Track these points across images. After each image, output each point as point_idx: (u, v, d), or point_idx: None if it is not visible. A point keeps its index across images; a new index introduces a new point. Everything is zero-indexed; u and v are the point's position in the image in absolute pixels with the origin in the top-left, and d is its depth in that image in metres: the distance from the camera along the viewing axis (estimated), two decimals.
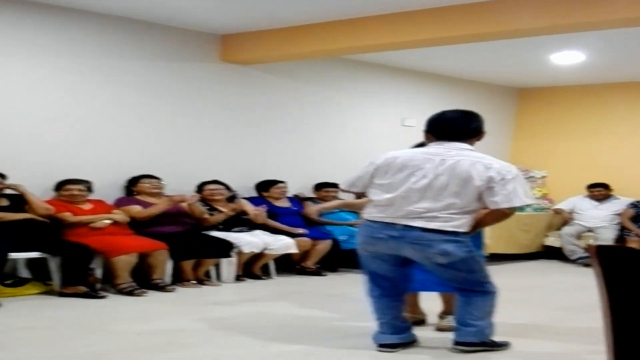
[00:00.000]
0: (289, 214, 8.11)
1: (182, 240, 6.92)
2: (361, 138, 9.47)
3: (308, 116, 8.87)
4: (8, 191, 6.38)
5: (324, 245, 8.02)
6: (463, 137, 4.41)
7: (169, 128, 7.72)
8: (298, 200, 8.47)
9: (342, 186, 4.59)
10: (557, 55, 8.61)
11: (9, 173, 6.38)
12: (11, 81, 6.69)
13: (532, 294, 7.37)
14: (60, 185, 6.74)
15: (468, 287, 4.44)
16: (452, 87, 10.38)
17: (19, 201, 6.37)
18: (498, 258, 9.48)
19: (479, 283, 4.44)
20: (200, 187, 7.66)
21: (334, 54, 8.27)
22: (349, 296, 6.71)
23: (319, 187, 8.68)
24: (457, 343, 4.53)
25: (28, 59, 6.76)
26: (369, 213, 4.42)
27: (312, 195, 8.69)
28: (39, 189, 6.63)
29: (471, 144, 4.45)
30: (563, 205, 10.20)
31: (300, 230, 7.91)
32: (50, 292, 6.31)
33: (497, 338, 4.61)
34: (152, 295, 6.38)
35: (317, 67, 8.87)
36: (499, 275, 8.51)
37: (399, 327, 4.57)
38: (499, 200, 4.21)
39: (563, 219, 10.10)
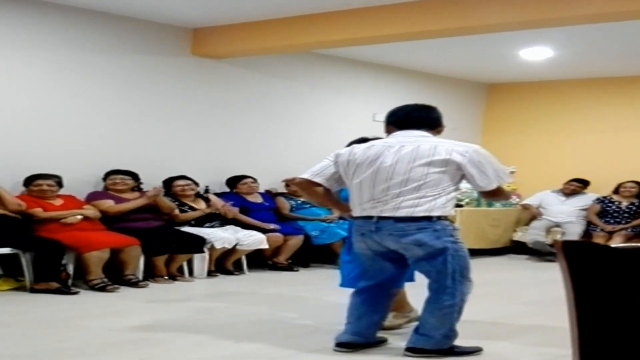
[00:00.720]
0: (261, 210, 8.14)
1: (154, 235, 6.92)
2: (332, 133, 9.50)
3: (279, 111, 8.89)
4: None
5: (296, 241, 8.06)
6: (423, 126, 4.37)
7: (139, 122, 7.70)
8: (270, 195, 8.50)
9: (305, 176, 4.40)
10: (526, 51, 8.71)
11: None
12: None
13: (501, 289, 7.45)
14: (30, 180, 6.70)
15: (441, 284, 4.20)
16: (422, 82, 10.46)
17: None
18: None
19: (453, 281, 4.19)
20: (169, 182, 7.63)
21: (305, 48, 8.29)
22: (320, 292, 6.76)
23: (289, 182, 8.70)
24: (407, 349, 4.34)
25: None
26: (353, 211, 4.36)
27: (283, 190, 8.72)
28: (7, 183, 6.59)
29: (436, 134, 4.44)
30: (530, 201, 10.33)
31: (272, 226, 7.94)
32: (22, 288, 6.28)
33: (467, 340, 4.59)
34: (125, 291, 6.38)
35: (288, 61, 8.90)
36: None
37: (363, 330, 4.43)
38: (484, 182, 4.12)
39: (531, 214, 10.23)
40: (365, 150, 4.28)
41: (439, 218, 4.13)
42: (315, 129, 9.31)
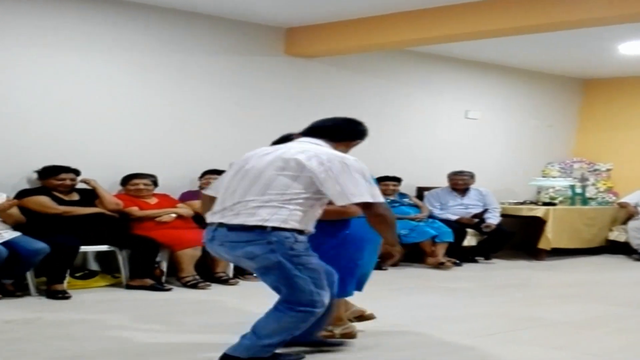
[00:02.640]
0: None
1: None
2: (424, 131, 9.46)
3: (371, 109, 8.88)
4: (80, 186, 6.58)
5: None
6: (323, 136, 3.99)
7: (233, 122, 7.82)
8: None
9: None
10: (625, 45, 8.45)
11: (77, 167, 6.57)
12: (80, 77, 6.87)
13: (595, 289, 7.29)
14: (127, 180, 6.91)
15: (287, 300, 3.79)
16: (516, 79, 10.28)
17: (88, 195, 6.56)
18: (561, 253, 9.39)
19: (297, 301, 3.76)
20: None
21: (398, 46, 8.27)
22: (408, 290, 6.75)
23: (379, 180, 8.66)
24: (224, 356, 3.87)
25: (96, 54, 6.93)
26: None
27: None
28: (105, 183, 6.81)
29: (335, 147, 3.96)
30: (628, 199, 10.01)
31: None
32: (118, 285, 6.50)
33: (557, 339, 4.50)
34: (215, 288, 6.51)
35: (380, 59, 8.88)
36: (561, 270, 8.57)
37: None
38: (333, 196, 3.69)
39: (628, 213, 9.92)
40: (248, 153, 3.96)
41: (275, 229, 3.66)
42: (406, 127, 9.27)
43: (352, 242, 4.41)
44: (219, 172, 7.30)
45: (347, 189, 3.66)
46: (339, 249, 4.35)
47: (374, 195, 3.72)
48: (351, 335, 4.61)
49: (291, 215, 3.68)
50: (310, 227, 3.83)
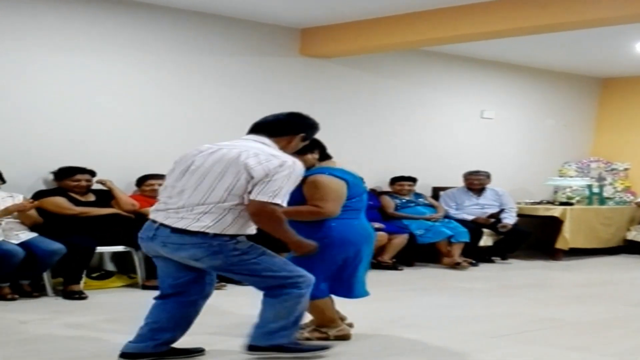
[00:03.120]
0: (366, 208, 8.13)
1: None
2: (439, 130, 9.44)
3: (386, 109, 8.88)
4: (96, 186, 6.61)
5: (401, 240, 8.04)
6: (262, 132, 4.01)
7: (249, 121, 7.74)
8: (375, 194, 8.50)
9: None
10: None
11: (93, 168, 6.61)
12: (96, 79, 6.91)
13: (611, 289, 7.24)
14: (142, 180, 6.93)
15: (266, 288, 3.92)
16: (532, 78, 10.24)
17: (105, 196, 6.59)
18: (578, 253, 9.34)
19: (276, 286, 3.87)
20: None
21: (413, 46, 8.26)
22: (424, 290, 6.73)
23: (394, 180, 8.68)
24: (249, 347, 4.02)
25: (112, 56, 6.98)
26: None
27: (387, 189, 8.70)
28: (121, 183, 6.84)
29: (279, 143, 3.96)
30: None
31: (377, 225, 7.93)
32: (134, 285, 6.53)
33: (574, 339, 4.50)
34: (231, 289, 6.50)
35: (395, 59, 8.87)
36: (578, 270, 8.52)
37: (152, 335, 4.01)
38: (252, 192, 3.69)
39: None
40: (184, 155, 3.95)
41: (216, 235, 3.73)
42: (422, 126, 9.25)
43: (330, 245, 4.32)
44: None
45: (267, 189, 3.68)
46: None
47: (274, 197, 3.69)
48: (345, 337, 4.59)
49: (233, 223, 3.75)
50: (250, 230, 3.87)
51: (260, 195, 3.67)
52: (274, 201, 3.68)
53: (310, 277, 3.96)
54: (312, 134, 4.21)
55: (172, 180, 3.90)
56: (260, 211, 3.71)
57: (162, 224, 3.79)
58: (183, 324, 4.06)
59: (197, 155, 3.88)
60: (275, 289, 3.89)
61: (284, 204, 3.73)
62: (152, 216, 3.90)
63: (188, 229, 3.71)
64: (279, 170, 3.70)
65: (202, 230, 3.70)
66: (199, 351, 4.22)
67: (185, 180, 3.82)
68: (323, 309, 4.49)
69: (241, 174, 3.70)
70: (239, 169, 3.71)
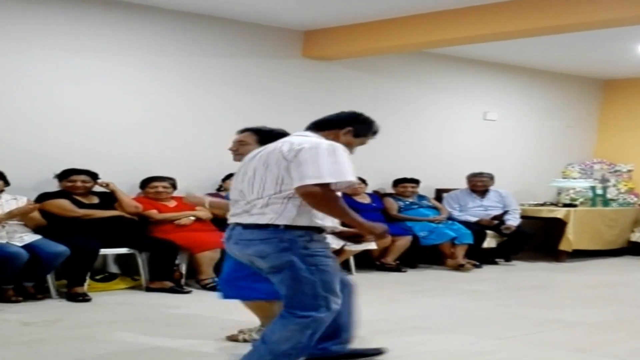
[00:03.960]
0: (369, 210, 8.11)
1: None
2: (442, 133, 9.43)
3: (388, 111, 8.87)
4: (98, 189, 6.62)
5: (404, 242, 8.04)
6: (311, 127, 3.98)
7: (252, 124, 7.77)
8: (378, 196, 8.50)
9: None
10: None
11: (97, 170, 6.61)
12: (100, 81, 6.91)
13: (615, 291, 7.24)
14: (146, 183, 6.93)
15: (291, 307, 3.63)
16: (535, 80, 10.23)
17: (108, 199, 6.60)
18: (581, 254, 9.33)
19: (305, 306, 3.59)
20: None
21: (415, 48, 8.25)
22: (427, 292, 6.72)
23: (397, 182, 8.67)
24: None
25: (116, 57, 6.98)
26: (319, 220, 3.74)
27: (390, 191, 8.70)
28: (125, 186, 6.85)
29: (326, 138, 3.83)
30: None
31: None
32: (137, 287, 6.52)
33: (576, 342, 4.48)
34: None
35: (398, 61, 8.87)
36: (582, 272, 8.51)
37: None
38: (294, 179, 3.54)
39: None
40: (249, 156, 3.89)
41: (287, 227, 3.58)
42: (425, 128, 9.25)
43: None
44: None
45: (303, 171, 3.51)
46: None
47: (333, 175, 3.51)
48: None
49: (300, 213, 3.57)
50: (328, 223, 3.73)
51: (301, 179, 3.51)
52: (316, 182, 3.48)
53: (337, 299, 3.71)
54: (363, 130, 4.11)
55: (235, 183, 3.88)
56: (306, 194, 3.51)
57: (236, 223, 3.75)
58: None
59: (252, 157, 3.86)
60: (295, 307, 3.61)
61: (333, 182, 3.50)
62: (229, 220, 3.84)
63: (258, 222, 3.61)
64: (311, 151, 3.54)
65: (271, 222, 3.58)
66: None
67: (240, 180, 3.81)
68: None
69: (280, 162, 3.60)
70: (277, 157, 3.62)
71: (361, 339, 4.39)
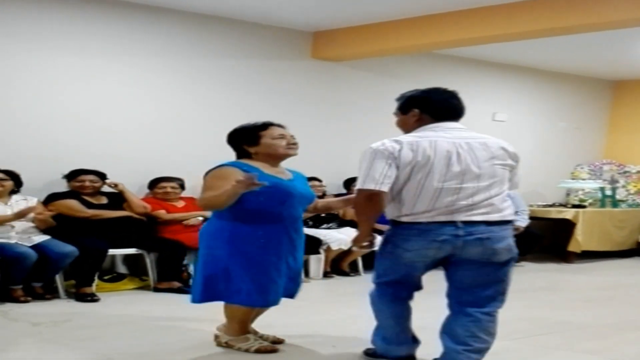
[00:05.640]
0: None
1: None
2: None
3: None
4: (107, 189, 6.63)
5: None
6: (459, 117, 4.05)
7: None
8: None
9: (372, 186, 3.72)
10: None
11: (106, 170, 6.63)
12: (109, 82, 6.94)
13: (625, 292, 7.21)
14: (154, 183, 6.95)
15: (503, 301, 3.92)
16: (544, 81, 10.21)
17: (117, 199, 6.61)
18: (590, 255, 9.30)
19: (502, 301, 3.92)
20: None
21: (424, 48, 8.25)
22: (433, 292, 6.69)
23: None
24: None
25: (124, 58, 7.00)
26: (409, 215, 3.77)
27: None
28: (134, 186, 6.86)
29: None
30: None
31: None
32: (146, 287, 6.54)
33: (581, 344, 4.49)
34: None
35: (407, 62, 8.87)
36: (591, 273, 8.48)
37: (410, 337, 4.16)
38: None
39: None
40: (428, 146, 3.76)
41: (511, 222, 3.89)
42: None
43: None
44: None
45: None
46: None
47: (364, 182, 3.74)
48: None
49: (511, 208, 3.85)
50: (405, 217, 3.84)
51: None
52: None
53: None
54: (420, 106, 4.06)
55: (450, 181, 3.79)
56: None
57: (469, 222, 3.75)
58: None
59: (457, 149, 3.86)
60: (500, 302, 4.00)
61: (369, 188, 3.71)
62: (436, 219, 3.76)
63: (504, 219, 3.85)
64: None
65: (508, 219, 3.90)
66: None
67: (469, 176, 3.83)
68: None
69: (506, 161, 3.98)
70: (504, 156, 3.97)
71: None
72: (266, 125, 4.45)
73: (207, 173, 4.42)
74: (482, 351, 3.86)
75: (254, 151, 4.42)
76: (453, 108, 4.01)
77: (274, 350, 4.43)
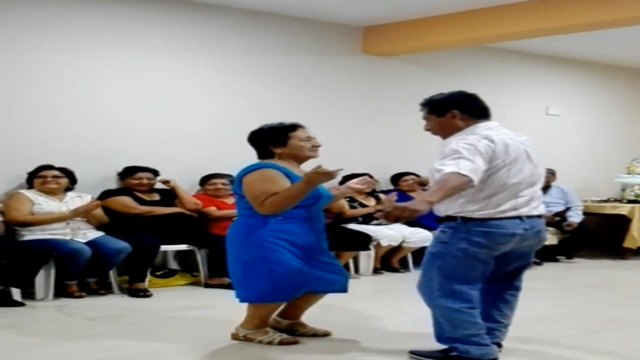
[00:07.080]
0: None
1: None
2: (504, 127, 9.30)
3: None
4: (159, 186, 6.71)
5: None
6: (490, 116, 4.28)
7: (312, 121, 7.77)
8: None
9: (471, 174, 3.74)
10: None
11: (159, 168, 6.71)
12: (161, 80, 7.02)
13: None
14: (205, 180, 7.01)
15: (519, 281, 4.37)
16: (598, 74, 10.03)
17: (168, 196, 6.69)
18: None
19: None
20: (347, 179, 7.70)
21: (476, 42, 8.18)
22: None
23: None
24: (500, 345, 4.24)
25: (177, 56, 7.08)
26: (484, 211, 3.89)
27: None
28: (185, 183, 6.93)
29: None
30: None
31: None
32: (196, 283, 6.61)
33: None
34: None
35: (458, 56, 8.79)
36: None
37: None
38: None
39: None
40: (511, 143, 4.02)
41: None
42: None
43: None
44: None
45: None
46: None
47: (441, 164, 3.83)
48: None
49: None
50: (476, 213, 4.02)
51: None
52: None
53: None
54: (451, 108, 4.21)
55: (527, 176, 4.06)
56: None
57: (530, 216, 4.05)
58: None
59: (519, 146, 4.15)
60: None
61: (465, 174, 3.77)
62: (513, 213, 3.99)
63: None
64: None
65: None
66: None
67: (536, 172, 4.17)
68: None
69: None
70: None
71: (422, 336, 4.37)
72: (295, 127, 4.48)
73: (241, 176, 4.42)
74: (509, 325, 4.30)
75: (280, 152, 4.44)
76: (485, 107, 4.24)
77: (295, 342, 4.46)
